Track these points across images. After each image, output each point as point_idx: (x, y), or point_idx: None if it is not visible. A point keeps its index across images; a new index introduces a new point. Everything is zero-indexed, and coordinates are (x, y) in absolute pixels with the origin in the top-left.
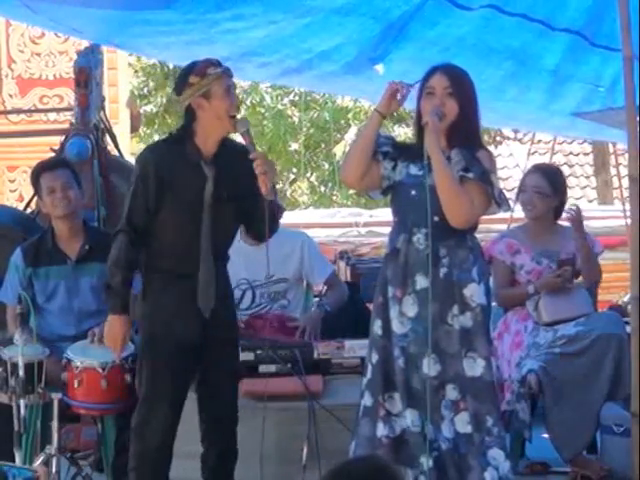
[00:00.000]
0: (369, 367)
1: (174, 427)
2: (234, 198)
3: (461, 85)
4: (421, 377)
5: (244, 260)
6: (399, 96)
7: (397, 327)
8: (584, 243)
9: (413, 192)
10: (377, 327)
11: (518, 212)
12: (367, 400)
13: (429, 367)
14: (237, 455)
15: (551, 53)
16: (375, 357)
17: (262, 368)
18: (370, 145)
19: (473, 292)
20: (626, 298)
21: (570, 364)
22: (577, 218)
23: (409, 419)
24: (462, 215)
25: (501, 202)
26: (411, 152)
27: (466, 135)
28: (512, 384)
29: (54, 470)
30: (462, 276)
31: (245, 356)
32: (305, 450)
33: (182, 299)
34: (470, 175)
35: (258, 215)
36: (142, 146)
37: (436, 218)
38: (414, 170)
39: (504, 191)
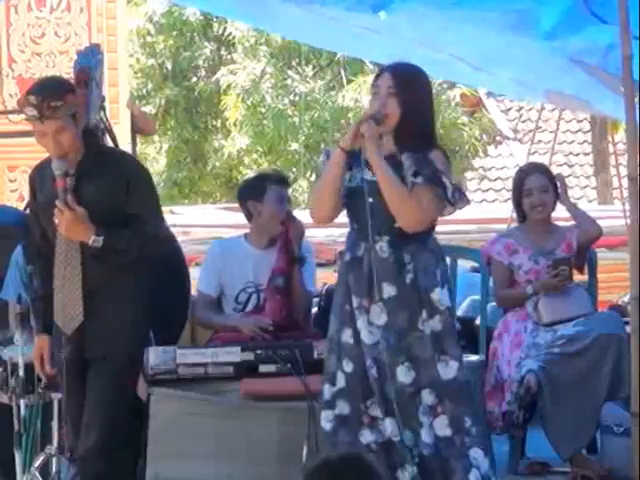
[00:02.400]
0: (341, 376)
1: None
2: (97, 209)
3: (407, 84)
4: (396, 386)
5: (252, 263)
6: (366, 132)
7: (367, 337)
8: (572, 205)
9: (370, 199)
10: (348, 336)
11: None
12: (343, 409)
13: (404, 375)
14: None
15: (550, 17)
16: (350, 366)
17: (262, 368)
18: (338, 182)
19: (440, 296)
20: (626, 298)
21: (570, 364)
22: (562, 186)
23: (389, 429)
24: (411, 220)
25: (455, 201)
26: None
27: (413, 137)
28: (512, 384)
29: (54, 470)
30: (428, 280)
31: (245, 356)
32: (305, 450)
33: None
34: (418, 180)
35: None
36: (145, 148)
37: (396, 225)
38: (369, 175)
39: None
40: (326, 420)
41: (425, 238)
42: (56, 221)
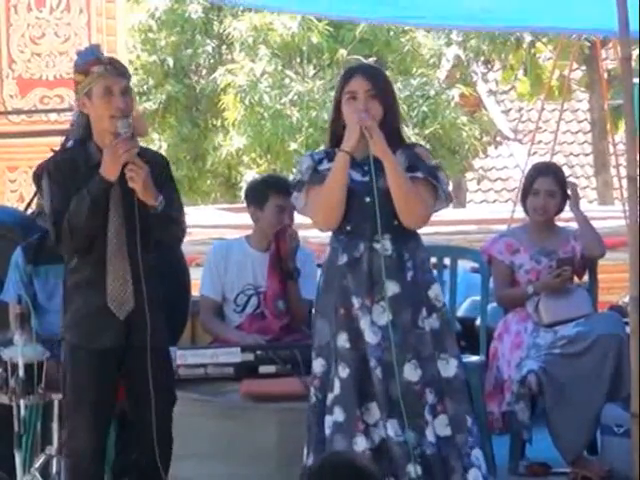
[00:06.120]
0: (336, 382)
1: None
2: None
3: (382, 85)
4: (402, 384)
5: (251, 266)
6: (374, 131)
7: (370, 337)
8: (582, 217)
9: (367, 199)
10: (343, 340)
11: (518, 212)
12: (338, 416)
13: (411, 373)
14: (169, 467)
15: None
16: (346, 371)
17: (262, 369)
18: (345, 189)
19: (437, 292)
20: (626, 299)
21: (570, 365)
22: (574, 194)
23: (391, 430)
24: (418, 216)
25: (447, 196)
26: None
27: (394, 135)
28: (512, 385)
29: (54, 471)
30: (426, 277)
31: (245, 357)
32: (305, 451)
33: (97, 304)
34: (419, 174)
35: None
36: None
37: (396, 222)
38: (357, 176)
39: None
40: (326, 427)
41: (419, 235)
42: (130, 176)
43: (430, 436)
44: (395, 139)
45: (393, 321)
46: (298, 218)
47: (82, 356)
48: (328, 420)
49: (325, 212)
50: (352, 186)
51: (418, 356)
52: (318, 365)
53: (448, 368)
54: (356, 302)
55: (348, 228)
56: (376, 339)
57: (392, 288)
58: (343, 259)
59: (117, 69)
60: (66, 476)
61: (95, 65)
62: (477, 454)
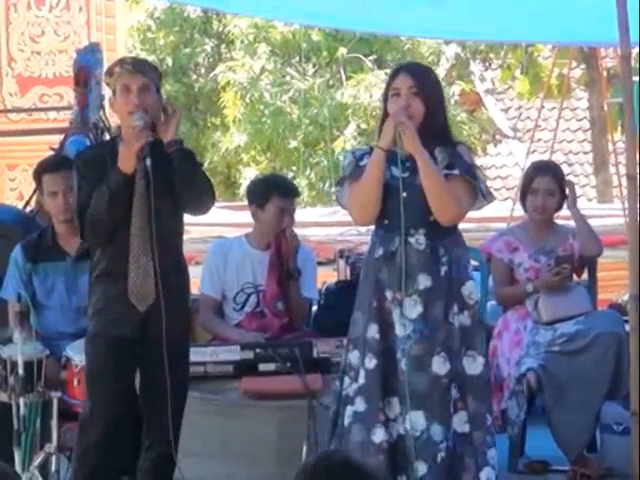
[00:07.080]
0: (362, 372)
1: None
2: (169, 188)
3: (426, 83)
4: (430, 377)
5: (250, 264)
6: (408, 127)
7: (400, 330)
8: (579, 216)
9: (404, 194)
10: (374, 332)
11: (518, 211)
12: (359, 406)
13: (440, 366)
14: (174, 461)
15: None
16: (373, 362)
17: (262, 367)
18: (381, 184)
19: (471, 290)
20: (626, 297)
21: (570, 363)
22: (571, 192)
23: (409, 423)
24: (451, 213)
25: (487, 195)
26: (388, 153)
27: (438, 133)
28: (511, 382)
29: (53, 469)
30: (461, 274)
31: (245, 354)
32: (305, 449)
33: (117, 294)
34: (455, 172)
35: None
36: None
37: (432, 218)
38: (397, 172)
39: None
40: (346, 416)
41: (457, 232)
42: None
43: (452, 430)
44: (438, 138)
45: (424, 314)
46: (302, 216)
47: (100, 344)
48: (349, 410)
49: (360, 207)
50: (391, 181)
51: (448, 350)
52: (354, 357)
53: (475, 366)
54: (389, 294)
55: (386, 222)
56: (404, 332)
57: (424, 282)
58: (379, 252)
59: (135, 67)
60: (76, 464)
61: (117, 66)
62: (493, 454)
